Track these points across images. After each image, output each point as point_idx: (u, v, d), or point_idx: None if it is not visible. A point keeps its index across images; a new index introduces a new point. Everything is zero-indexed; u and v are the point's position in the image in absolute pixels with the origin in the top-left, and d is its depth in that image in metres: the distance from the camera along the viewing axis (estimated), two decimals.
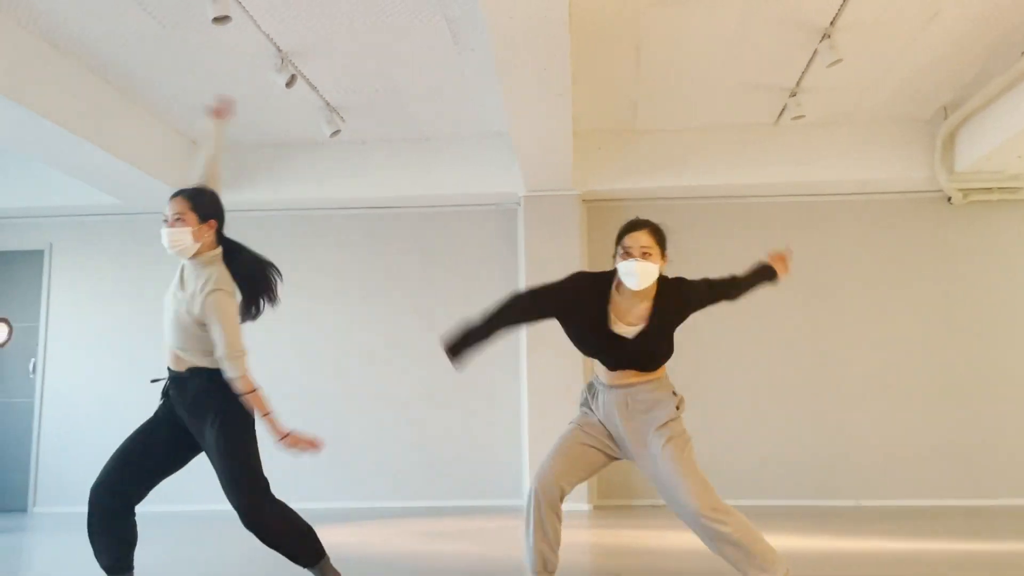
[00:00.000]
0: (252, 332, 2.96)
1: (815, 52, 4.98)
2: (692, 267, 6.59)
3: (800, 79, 5.45)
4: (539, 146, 5.46)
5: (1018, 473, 6.20)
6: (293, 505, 2.91)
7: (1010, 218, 6.47)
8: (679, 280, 2.95)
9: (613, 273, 2.86)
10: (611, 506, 6.32)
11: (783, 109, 5.96)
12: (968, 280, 6.42)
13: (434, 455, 6.57)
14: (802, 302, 6.45)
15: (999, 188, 6.34)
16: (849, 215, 6.65)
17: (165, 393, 2.94)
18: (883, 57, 5.21)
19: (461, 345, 2.82)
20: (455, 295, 6.71)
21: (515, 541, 4.59)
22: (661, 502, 6.40)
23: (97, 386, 6.75)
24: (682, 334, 2.98)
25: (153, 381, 3.08)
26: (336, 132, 5.81)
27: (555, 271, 6.27)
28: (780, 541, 4.30)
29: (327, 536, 3.01)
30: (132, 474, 2.82)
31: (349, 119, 6.06)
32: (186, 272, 2.89)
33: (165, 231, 2.85)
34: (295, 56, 5.02)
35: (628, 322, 2.84)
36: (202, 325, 2.77)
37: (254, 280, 2.95)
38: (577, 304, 2.89)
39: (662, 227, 2.95)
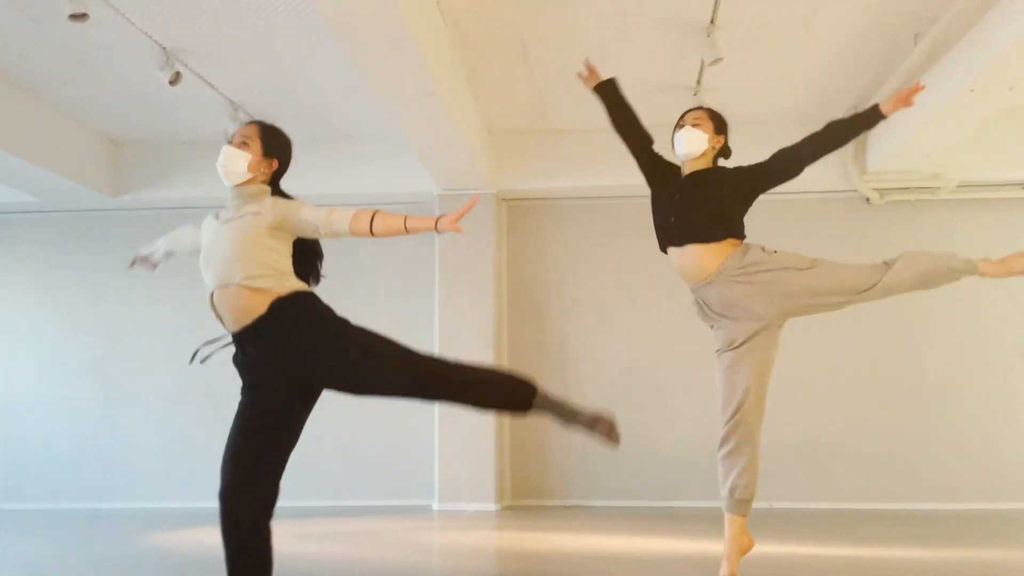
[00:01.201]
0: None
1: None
2: (612, 266, 6.70)
3: (699, 79, 5.41)
4: (433, 146, 5.44)
5: (936, 478, 6.15)
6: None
7: (928, 219, 6.39)
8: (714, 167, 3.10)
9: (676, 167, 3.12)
10: (522, 507, 6.31)
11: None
12: None
13: (346, 452, 6.58)
14: None
15: (917, 188, 6.27)
16: (769, 215, 6.52)
17: (239, 365, 2.52)
18: (775, 58, 5.18)
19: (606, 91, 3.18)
20: (372, 293, 6.73)
21: (399, 545, 4.61)
22: (574, 502, 6.47)
23: (17, 384, 6.78)
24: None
25: (202, 361, 2.73)
26: None
27: (470, 270, 6.46)
28: (701, 545, 4.25)
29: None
30: (261, 473, 2.44)
31: (261, 118, 6.05)
32: (232, 203, 2.58)
33: (224, 149, 2.57)
34: (188, 54, 5.03)
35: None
36: (274, 231, 2.47)
37: (305, 244, 2.65)
38: (657, 165, 3.16)
39: (722, 114, 3.13)
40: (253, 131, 2.64)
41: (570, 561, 4.10)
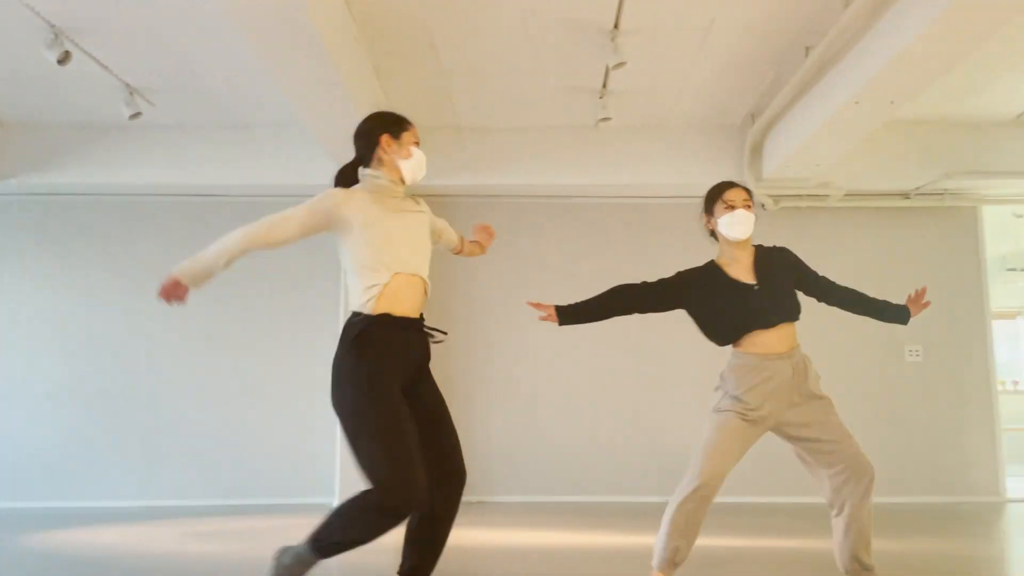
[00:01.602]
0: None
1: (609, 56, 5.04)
2: (520, 264, 6.76)
3: (604, 82, 5.52)
4: (339, 138, 5.33)
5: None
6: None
7: (819, 225, 6.71)
8: (771, 246, 3.16)
9: (708, 264, 3.11)
10: None
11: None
12: None
13: (244, 449, 6.43)
14: None
15: (808, 196, 6.56)
16: (670, 218, 6.78)
17: (403, 351, 2.63)
18: (676, 63, 5.32)
19: (571, 318, 3.13)
20: (273, 290, 6.62)
21: (295, 542, 4.51)
22: (476, 498, 6.49)
23: None
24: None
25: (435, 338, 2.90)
26: (136, 115, 5.61)
27: None
28: (594, 538, 4.34)
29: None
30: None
31: (160, 102, 5.86)
32: (389, 193, 2.77)
33: (421, 154, 2.80)
34: (79, 33, 4.80)
35: (740, 275, 3.00)
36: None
37: None
38: (691, 282, 3.07)
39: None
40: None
41: (465, 556, 4.12)
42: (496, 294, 6.71)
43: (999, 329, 8.22)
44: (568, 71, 5.43)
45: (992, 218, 6.94)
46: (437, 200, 6.77)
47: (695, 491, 2.79)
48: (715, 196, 3.08)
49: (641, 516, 5.37)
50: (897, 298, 3.25)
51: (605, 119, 5.76)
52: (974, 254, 6.74)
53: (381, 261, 2.59)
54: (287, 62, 4.18)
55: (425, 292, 2.71)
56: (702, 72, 5.46)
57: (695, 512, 2.81)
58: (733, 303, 2.98)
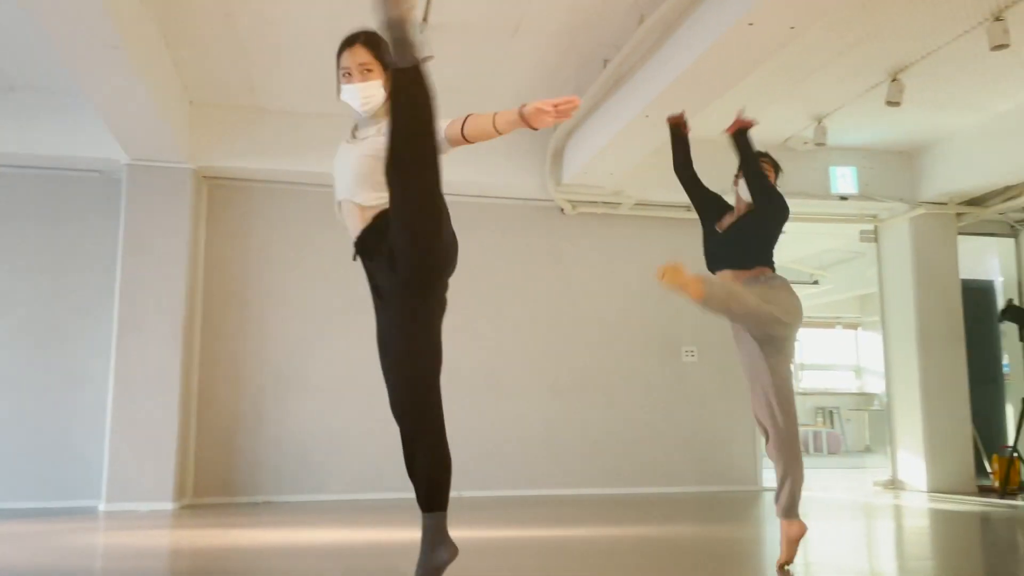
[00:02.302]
0: None
1: None
2: (323, 259, 6.55)
3: None
4: (118, 107, 4.93)
5: (602, 465, 6.77)
6: None
7: (612, 230, 7.07)
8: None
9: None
10: (205, 505, 5.92)
11: None
12: (575, 287, 6.92)
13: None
14: None
15: (603, 203, 6.90)
16: (474, 217, 6.82)
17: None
18: (484, 63, 5.40)
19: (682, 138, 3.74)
20: (43, 269, 5.98)
21: (53, 548, 4.08)
22: (263, 499, 6.19)
23: None
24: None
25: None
26: None
27: (160, 249, 5.93)
28: (387, 534, 4.20)
29: None
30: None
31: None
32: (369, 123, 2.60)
33: (355, 87, 2.53)
34: None
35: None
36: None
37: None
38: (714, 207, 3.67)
39: None
40: (366, 54, 2.56)
41: (246, 557, 3.91)
42: (296, 285, 6.46)
43: None
44: None
45: None
46: (231, 184, 6.43)
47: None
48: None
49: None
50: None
51: None
52: None
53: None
54: (57, 13, 3.76)
55: (361, 216, 2.55)
56: (508, 74, 5.58)
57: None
58: (708, 242, 3.58)
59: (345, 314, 6.40)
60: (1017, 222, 7.68)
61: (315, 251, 6.50)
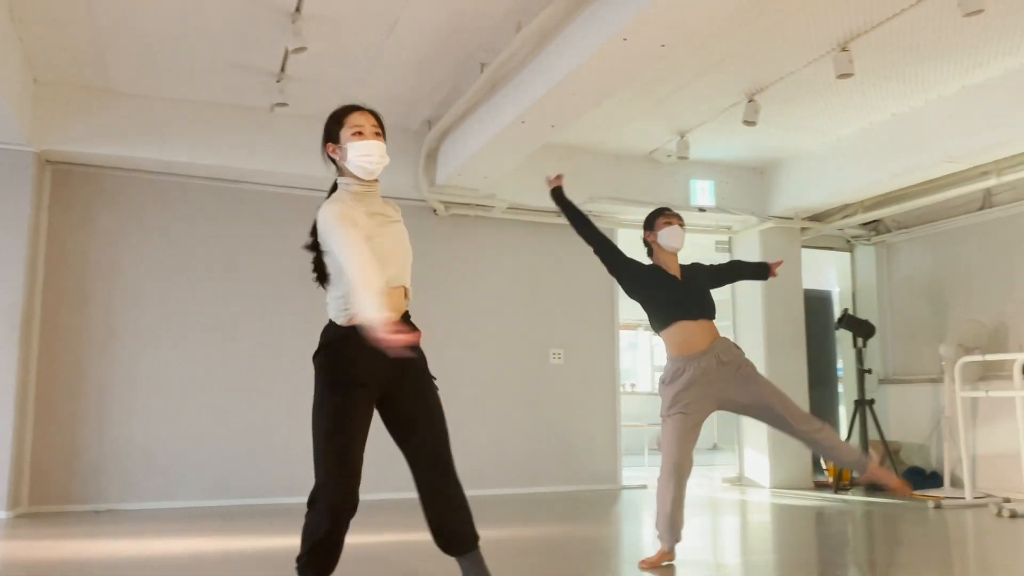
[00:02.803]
0: None
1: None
2: (177, 251, 6.21)
3: (283, 65, 5.31)
4: None
5: (466, 466, 6.78)
6: None
7: (484, 233, 7.11)
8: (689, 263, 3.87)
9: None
10: (42, 514, 5.48)
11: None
12: (445, 288, 6.91)
13: None
14: (273, 301, 6.33)
15: (476, 205, 6.93)
16: None
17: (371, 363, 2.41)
18: (359, 58, 5.30)
19: (563, 199, 3.94)
20: None
21: None
22: (106, 506, 5.78)
23: None
24: None
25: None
26: None
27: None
28: (233, 542, 4.02)
29: None
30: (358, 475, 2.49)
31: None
32: (370, 198, 2.63)
33: (376, 143, 2.55)
34: None
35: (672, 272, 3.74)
36: None
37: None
38: (637, 266, 3.80)
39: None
40: (377, 124, 2.60)
41: (82, 570, 3.65)
42: (147, 280, 6.09)
43: (624, 338, 9.44)
44: (243, 48, 5.13)
45: (626, 241, 7.92)
46: (78, 170, 6.00)
47: (670, 475, 3.45)
48: (651, 219, 3.79)
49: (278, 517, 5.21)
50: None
51: (281, 104, 5.54)
52: (607, 273, 7.61)
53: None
54: None
55: (406, 295, 2.60)
56: (384, 71, 5.49)
57: (677, 490, 3.45)
58: (667, 291, 3.67)
59: (199, 312, 6.12)
60: (853, 237, 8.34)
61: (169, 244, 6.16)
